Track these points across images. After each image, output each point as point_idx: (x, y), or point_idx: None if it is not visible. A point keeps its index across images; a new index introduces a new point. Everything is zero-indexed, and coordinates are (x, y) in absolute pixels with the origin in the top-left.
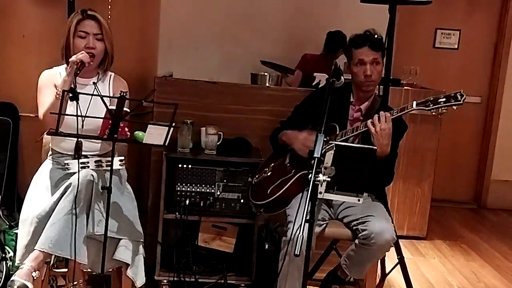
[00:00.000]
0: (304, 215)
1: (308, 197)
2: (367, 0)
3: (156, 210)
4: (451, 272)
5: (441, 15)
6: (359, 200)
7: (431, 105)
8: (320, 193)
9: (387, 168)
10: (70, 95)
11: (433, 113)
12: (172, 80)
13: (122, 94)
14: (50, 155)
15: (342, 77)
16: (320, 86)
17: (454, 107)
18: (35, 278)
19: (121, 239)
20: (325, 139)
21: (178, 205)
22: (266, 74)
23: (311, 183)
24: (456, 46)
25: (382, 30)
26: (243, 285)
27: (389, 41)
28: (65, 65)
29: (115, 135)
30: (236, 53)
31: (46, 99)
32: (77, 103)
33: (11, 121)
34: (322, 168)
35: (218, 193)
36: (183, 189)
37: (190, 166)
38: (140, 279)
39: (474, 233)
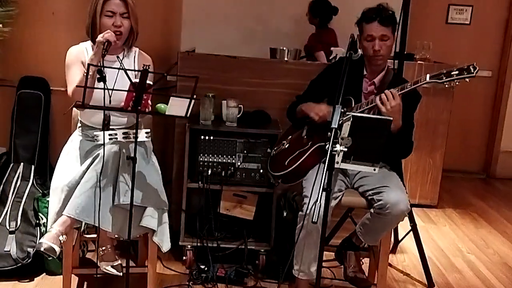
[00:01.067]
0: (322, 185)
1: (326, 167)
2: None
3: (180, 179)
4: (461, 239)
5: None
6: (374, 170)
7: (444, 78)
8: (337, 163)
9: (404, 139)
10: (98, 76)
11: (446, 86)
12: (195, 55)
13: (144, 67)
14: (79, 127)
15: (359, 50)
16: (336, 59)
17: (467, 79)
18: (62, 241)
19: (146, 207)
20: (342, 110)
21: (201, 174)
22: (284, 48)
23: (328, 153)
24: (468, 22)
25: (397, 5)
26: (262, 250)
27: (404, 16)
28: (90, 42)
29: (139, 107)
30: (256, 29)
31: (74, 77)
32: (104, 83)
33: (43, 95)
34: (339, 139)
35: (239, 163)
36: (206, 159)
37: (212, 137)
38: (166, 245)
39: (483, 202)
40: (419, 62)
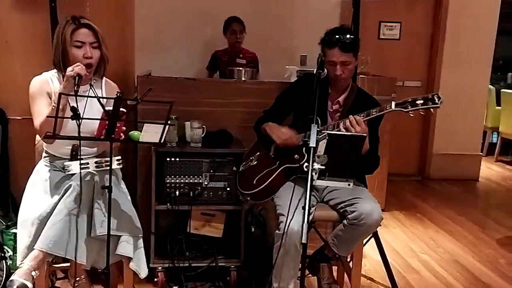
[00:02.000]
0: (299, 203)
1: (308, 186)
2: None
3: (145, 202)
4: (412, 240)
5: (383, 9)
6: (349, 185)
7: (409, 107)
8: (313, 180)
9: (372, 155)
10: (72, 113)
11: (411, 115)
12: (154, 78)
13: (118, 94)
14: (45, 157)
15: (325, 69)
16: (291, 78)
17: (432, 110)
18: (34, 277)
19: (121, 235)
20: (318, 129)
21: (168, 196)
22: (241, 69)
23: (310, 172)
24: (398, 37)
25: (333, 22)
26: (233, 266)
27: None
28: (54, 71)
29: (113, 135)
30: (200, 51)
31: (40, 108)
32: (78, 120)
33: (0, 125)
34: (315, 157)
35: (206, 183)
36: (173, 181)
37: (178, 159)
38: (144, 271)
39: (424, 202)
40: (361, 76)
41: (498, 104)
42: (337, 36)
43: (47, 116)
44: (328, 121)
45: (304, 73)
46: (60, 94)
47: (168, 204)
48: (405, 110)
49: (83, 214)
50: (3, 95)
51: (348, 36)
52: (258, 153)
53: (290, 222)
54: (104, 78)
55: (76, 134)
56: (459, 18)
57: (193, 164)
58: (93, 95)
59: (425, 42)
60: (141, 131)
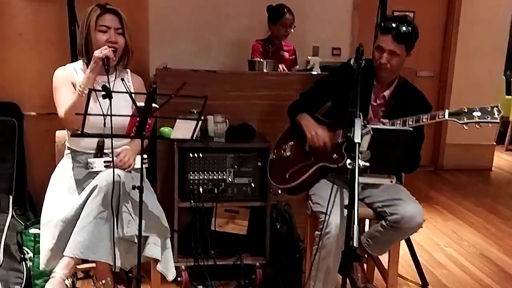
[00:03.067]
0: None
1: (356, 184)
2: None
3: (166, 199)
4: (435, 233)
5: None
6: (391, 182)
7: (464, 118)
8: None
9: (415, 151)
10: (103, 93)
11: (466, 128)
12: (173, 71)
13: (151, 89)
14: (67, 154)
15: (363, 60)
16: (313, 69)
17: (490, 125)
18: (69, 286)
19: (149, 236)
20: (362, 123)
21: (192, 193)
22: (262, 60)
23: (356, 170)
24: None
25: (345, 11)
26: (258, 264)
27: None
28: (79, 62)
29: (143, 132)
30: (213, 42)
31: (65, 97)
32: (110, 99)
33: (16, 121)
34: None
35: (230, 179)
36: (196, 177)
37: (201, 154)
38: (171, 273)
39: (441, 194)
40: None
41: (508, 93)
42: (393, 24)
43: (76, 114)
44: (370, 115)
45: (349, 60)
46: (90, 90)
47: (192, 201)
48: (459, 121)
49: (111, 215)
50: (17, 89)
51: (405, 26)
52: (292, 143)
53: (331, 222)
54: (129, 70)
55: (100, 127)
56: (473, 7)
57: (217, 160)
58: (124, 90)
59: (438, 32)
60: (172, 127)
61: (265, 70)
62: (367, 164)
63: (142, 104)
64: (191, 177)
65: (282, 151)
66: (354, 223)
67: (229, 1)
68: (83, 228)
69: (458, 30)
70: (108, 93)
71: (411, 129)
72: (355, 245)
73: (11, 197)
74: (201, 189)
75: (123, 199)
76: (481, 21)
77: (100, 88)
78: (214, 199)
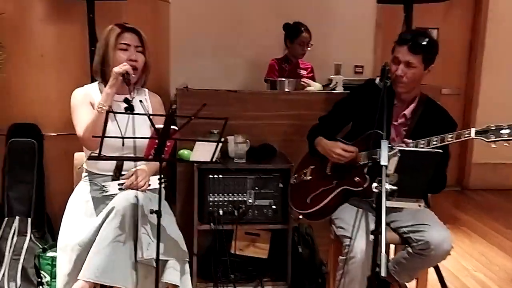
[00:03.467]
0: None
1: (383, 208)
2: (383, 0)
3: (185, 221)
4: (463, 256)
5: (420, 15)
6: (420, 206)
7: (492, 137)
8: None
9: (441, 171)
10: (125, 105)
11: (493, 146)
12: (193, 91)
13: (170, 110)
14: (85, 176)
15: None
16: (336, 88)
17: None
18: None
19: (168, 260)
20: (389, 145)
21: (211, 215)
22: (284, 79)
23: (383, 194)
24: None
25: (367, 29)
26: None
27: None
28: (96, 83)
29: (162, 155)
30: (233, 62)
31: (83, 117)
32: (132, 112)
33: (36, 142)
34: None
35: (251, 200)
36: (216, 199)
37: (221, 176)
38: None
39: (467, 215)
40: None
41: None
42: (411, 35)
43: (93, 136)
44: (392, 135)
45: (367, 80)
46: (107, 112)
47: (212, 223)
48: (487, 140)
49: (129, 238)
50: (38, 110)
51: (422, 38)
52: (312, 167)
53: (356, 247)
54: (147, 89)
55: (118, 147)
56: (498, 22)
57: (237, 181)
58: (147, 113)
59: (463, 48)
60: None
61: (286, 89)
62: (395, 187)
63: (161, 126)
64: (210, 198)
65: (302, 175)
66: (381, 251)
67: (251, 21)
68: (99, 251)
69: (484, 46)
70: (130, 107)
71: (441, 151)
72: (383, 274)
73: (29, 219)
74: (221, 211)
75: (141, 221)
76: (507, 36)
77: (119, 107)
78: (234, 221)
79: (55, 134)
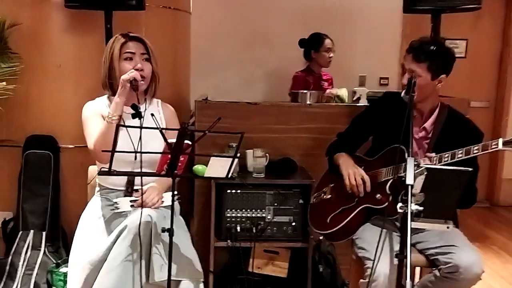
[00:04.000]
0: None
1: (407, 231)
2: (410, 10)
3: (202, 237)
4: (493, 277)
5: (448, 26)
6: (448, 228)
7: None
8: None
9: (470, 184)
10: (133, 111)
11: None
12: (212, 103)
13: (184, 125)
14: (98, 191)
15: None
16: (360, 101)
17: None
18: None
19: (181, 280)
20: (415, 162)
21: (229, 232)
22: (306, 92)
23: (409, 216)
24: (463, 55)
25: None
26: None
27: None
28: (105, 96)
29: (175, 171)
30: (256, 73)
31: (94, 129)
32: (140, 119)
33: (52, 154)
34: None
35: (270, 217)
36: (233, 215)
37: (239, 191)
38: None
39: (497, 233)
40: None
41: None
42: (419, 43)
43: (103, 151)
44: (414, 149)
45: (385, 92)
46: (118, 125)
47: (229, 240)
48: None
49: (141, 258)
50: (54, 122)
51: (428, 46)
52: (332, 185)
53: (379, 270)
54: (159, 100)
55: (131, 161)
56: None
57: (256, 197)
58: (159, 127)
59: (492, 60)
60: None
61: (308, 102)
62: (421, 208)
63: (174, 140)
64: (228, 214)
65: (322, 194)
66: (406, 278)
67: (273, 32)
68: (110, 271)
69: None
70: (137, 113)
71: (471, 169)
72: None
73: (44, 233)
74: (238, 228)
75: (154, 241)
76: None
77: (137, 107)
78: (252, 238)
79: (72, 146)
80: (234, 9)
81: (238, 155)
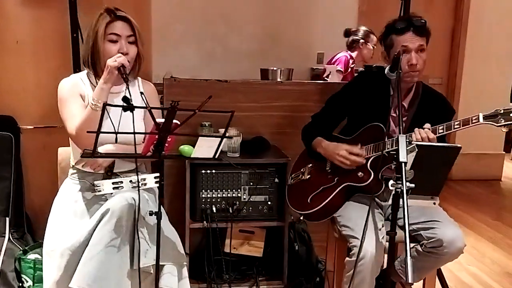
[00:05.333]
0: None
1: (404, 208)
2: None
3: (175, 219)
4: None
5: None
6: (434, 203)
7: (502, 121)
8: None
9: None
10: (124, 104)
11: (504, 130)
12: (182, 81)
13: (173, 104)
14: (72, 174)
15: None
16: (329, 77)
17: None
18: None
19: (164, 265)
20: (407, 140)
21: (204, 213)
22: (276, 69)
23: (404, 190)
24: None
25: (351, 18)
26: None
27: None
28: (83, 72)
29: (163, 152)
30: (215, 50)
31: (74, 111)
32: (132, 111)
33: (13, 136)
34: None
35: (245, 197)
36: (208, 195)
37: (214, 171)
38: None
39: (453, 206)
40: None
41: None
42: (408, 19)
43: (88, 132)
44: (391, 127)
45: (360, 71)
46: (105, 104)
47: (205, 221)
48: (497, 124)
49: (124, 242)
50: (13, 101)
51: (419, 19)
52: (310, 165)
53: (366, 248)
54: (139, 77)
55: (110, 143)
56: (481, 12)
57: (231, 177)
58: (148, 106)
59: (445, 38)
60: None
61: (279, 79)
62: (412, 185)
63: (162, 120)
64: (203, 195)
65: (300, 175)
66: (407, 256)
67: (235, 9)
68: (92, 257)
69: (466, 35)
70: (129, 106)
71: (460, 145)
72: (410, 281)
73: (7, 219)
74: (214, 208)
75: (138, 225)
76: (489, 25)
77: (129, 100)
78: (229, 219)
79: (32, 127)
80: None
81: (227, 135)
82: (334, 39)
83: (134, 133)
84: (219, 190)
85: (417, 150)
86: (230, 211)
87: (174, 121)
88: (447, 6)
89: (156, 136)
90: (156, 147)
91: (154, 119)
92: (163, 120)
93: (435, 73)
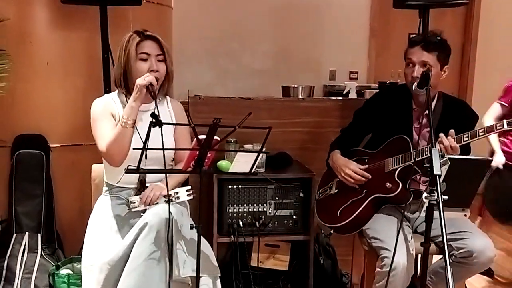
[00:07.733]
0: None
1: (441, 221)
2: (399, 5)
3: (202, 232)
4: None
5: (412, 20)
6: (465, 215)
7: None
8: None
9: None
10: (152, 120)
11: None
12: (207, 99)
13: (215, 121)
14: (106, 191)
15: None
16: (349, 94)
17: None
18: None
19: (201, 277)
20: (440, 153)
21: (231, 227)
22: (297, 86)
23: (440, 203)
24: None
25: (362, 36)
26: None
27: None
28: (115, 93)
29: (203, 167)
30: (229, 68)
31: (105, 130)
32: (161, 127)
33: (44, 154)
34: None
35: (271, 211)
36: (235, 210)
37: (240, 186)
38: None
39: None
40: None
41: None
42: (422, 36)
43: (134, 148)
44: (414, 138)
45: (384, 86)
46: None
47: (232, 236)
48: None
49: (163, 255)
50: (44, 121)
51: (434, 37)
52: (337, 179)
53: (398, 260)
54: (168, 96)
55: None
56: (491, 27)
57: (257, 191)
58: (191, 123)
59: (455, 53)
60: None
61: (300, 96)
62: (446, 197)
63: (203, 136)
64: (230, 210)
65: (328, 189)
66: (447, 266)
67: (248, 27)
68: (134, 270)
69: (476, 49)
70: (158, 121)
71: (490, 158)
72: None
73: (39, 235)
74: (240, 223)
75: (175, 237)
76: (500, 39)
77: (158, 116)
78: (255, 233)
79: (59, 145)
80: (209, 5)
81: (264, 150)
82: (346, 56)
83: (167, 149)
84: (245, 205)
85: (449, 163)
86: (257, 225)
87: (215, 137)
88: (457, 22)
89: (197, 152)
90: (197, 163)
91: (196, 135)
92: (204, 136)
93: (446, 89)
